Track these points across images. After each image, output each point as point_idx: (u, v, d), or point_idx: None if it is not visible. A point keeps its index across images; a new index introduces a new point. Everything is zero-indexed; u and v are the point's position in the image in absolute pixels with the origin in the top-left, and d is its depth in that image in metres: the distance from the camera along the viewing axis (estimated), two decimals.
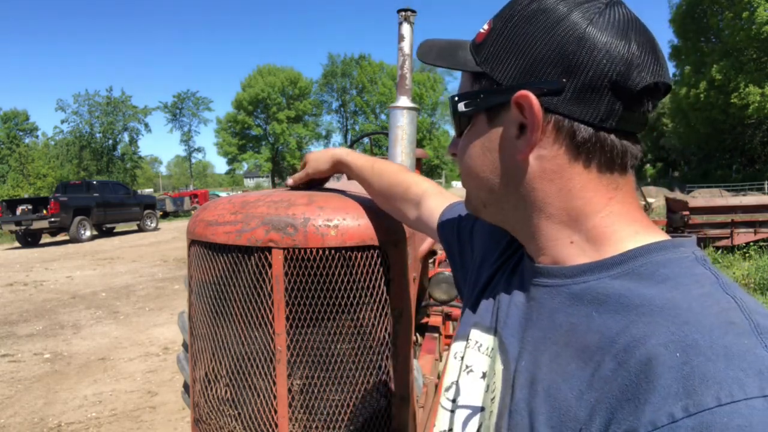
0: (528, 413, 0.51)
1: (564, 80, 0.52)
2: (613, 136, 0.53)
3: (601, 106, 0.52)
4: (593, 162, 0.54)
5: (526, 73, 0.54)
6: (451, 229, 0.88)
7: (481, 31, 0.60)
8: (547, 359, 0.52)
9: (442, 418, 0.69)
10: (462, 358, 0.69)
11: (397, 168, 1.08)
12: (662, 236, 0.55)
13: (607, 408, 0.44)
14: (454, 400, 0.67)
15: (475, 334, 0.68)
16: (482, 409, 0.62)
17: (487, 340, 0.65)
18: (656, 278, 0.49)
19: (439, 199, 0.95)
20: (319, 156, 1.16)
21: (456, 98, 0.61)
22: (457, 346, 0.72)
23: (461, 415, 0.64)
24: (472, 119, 0.61)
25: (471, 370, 0.66)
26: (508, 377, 0.56)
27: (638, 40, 0.52)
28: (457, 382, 0.68)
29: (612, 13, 0.52)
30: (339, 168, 1.15)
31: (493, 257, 0.74)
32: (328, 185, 1.33)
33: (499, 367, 0.59)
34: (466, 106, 0.60)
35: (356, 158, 1.11)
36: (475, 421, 0.63)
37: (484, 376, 0.64)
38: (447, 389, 0.70)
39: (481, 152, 0.60)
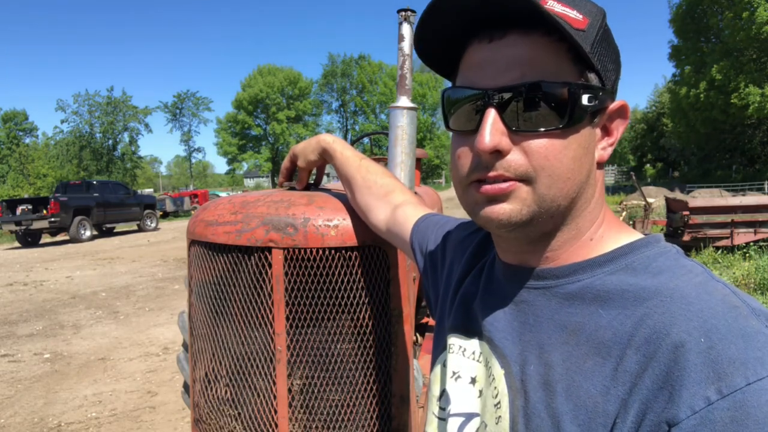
0: (549, 415, 0.51)
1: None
2: None
3: None
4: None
5: (616, 81, 0.58)
6: (423, 236, 0.87)
7: (572, 15, 0.52)
8: (559, 360, 0.53)
9: (432, 427, 0.69)
10: (445, 364, 0.69)
11: (384, 170, 1.07)
12: (637, 233, 0.59)
13: (640, 400, 0.45)
14: (443, 408, 0.67)
15: (456, 340, 0.67)
16: (478, 414, 0.62)
17: (472, 345, 0.65)
18: (651, 271, 0.52)
19: (419, 209, 0.95)
20: (305, 147, 1.13)
21: (575, 89, 0.52)
22: (440, 354, 0.71)
23: (455, 423, 0.64)
24: (584, 117, 0.54)
25: (459, 376, 0.66)
26: (513, 381, 0.56)
27: None
28: (445, 389, 0.68)
29: None
30: (325, 156, 1.11)
31: (460, 265, 0.74)
32: (327, 185, 1.33)
33: (499, 371, 0.58)
34: (589, 100, 0.53)
35: (343, 148, 1.09)
36: (471, 428, 0.62)
37: (473, 381, 0.64)
38: (439, 398, 0.69)
39: (582, 153, 0.55)
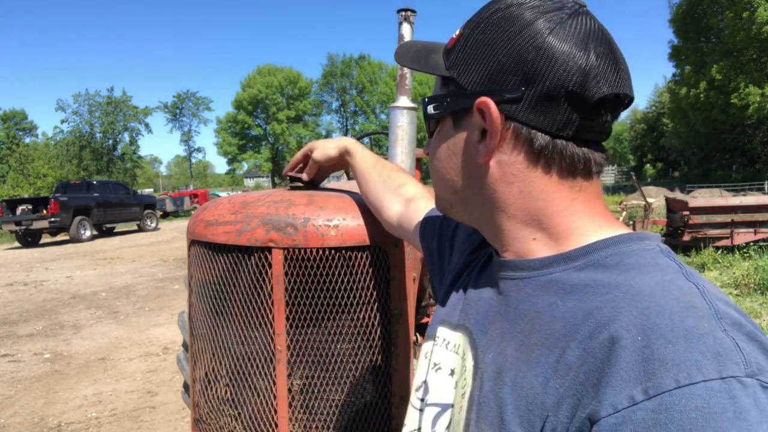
0: (496, 404, 0.51)
1: (523, 89, 0.53)
2: (572, 144, 0.54)
3: (558, 116, 0.53)
4: (553, 167, 0.55)
5: (489, 80, 0.55)
6: (432, 231, 0.88)
7: (453, 36, 0.61)
8: (513, 349, 0.52)
9: (411, 418, 0.69)
10: (429, 356, 0.69)
11: (398, 167, 1.11)
12: (627, 230, 0.56)
13: (574, 394, 0.44)
14: (422, 399, 0.68)
15: (443, 332, 0.68)
16: (452, 405, 0.62)
17: (455, 338, 0.65)
18: (621, 268, 0.50)
19: (431, 203, 0.95)
20: (326, 142, 1.18)
21: (426, 100, 0.62)
22: (427, 346, 0.72)
23: (430, 413, 0.64)
24: (440, 122, 0.62)
25: (439, 368, 0.66)
26: (478, 371, 0.57)
27: (598, 51, 0.52)
28: (425, 380, 0.68)
29: (574, 23, 0.53)
30: (344, 156, 1.16)
31: (464, 257, 0.75)
32: (327, 185, 1.33)
33: (470, 362, 0.59)
34: (434, 108, 0.61)
35: (362, 149, 1.14)
36: (445, 419, 0.62)
37: (452, 373, 0.64)
38: (417, 389, 0.70)
39: (446, 154, 0.62)
